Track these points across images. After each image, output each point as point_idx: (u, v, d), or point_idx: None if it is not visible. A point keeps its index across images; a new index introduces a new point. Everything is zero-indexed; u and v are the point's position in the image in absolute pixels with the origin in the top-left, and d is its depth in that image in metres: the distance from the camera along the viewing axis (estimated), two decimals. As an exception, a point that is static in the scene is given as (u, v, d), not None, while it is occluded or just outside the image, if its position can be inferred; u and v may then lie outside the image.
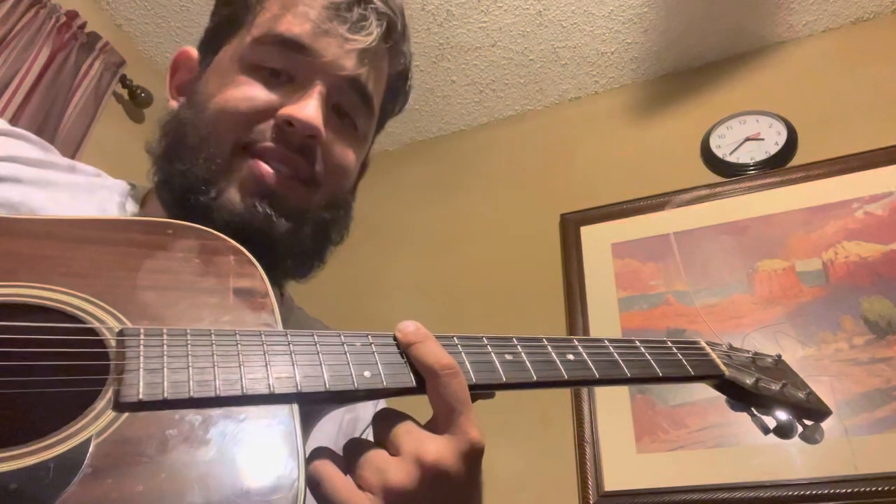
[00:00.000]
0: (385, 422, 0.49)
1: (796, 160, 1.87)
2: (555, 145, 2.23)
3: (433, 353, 0.50)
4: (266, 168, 0.67)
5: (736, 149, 1.94)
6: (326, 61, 0.69)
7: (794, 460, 1.51)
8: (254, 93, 0.68)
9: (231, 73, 0.70)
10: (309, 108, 0.67)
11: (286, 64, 0.69)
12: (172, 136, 0.70)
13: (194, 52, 0.76)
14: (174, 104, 0.75)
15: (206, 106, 0.69)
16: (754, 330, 1.68)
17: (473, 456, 0.48)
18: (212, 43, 0.75)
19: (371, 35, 0.71)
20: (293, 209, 0.68)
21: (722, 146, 1.96)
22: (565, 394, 1.78)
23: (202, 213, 0.63)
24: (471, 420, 0.48)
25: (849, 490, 1.44)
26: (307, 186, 0.70)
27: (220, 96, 0.68)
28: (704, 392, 1.63)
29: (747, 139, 1.94)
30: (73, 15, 1.85)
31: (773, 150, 1.89)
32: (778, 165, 1.88)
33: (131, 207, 0.73)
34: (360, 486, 0.46)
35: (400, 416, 0.50)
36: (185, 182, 0.66)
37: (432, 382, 0.49)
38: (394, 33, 0.75)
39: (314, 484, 0.45)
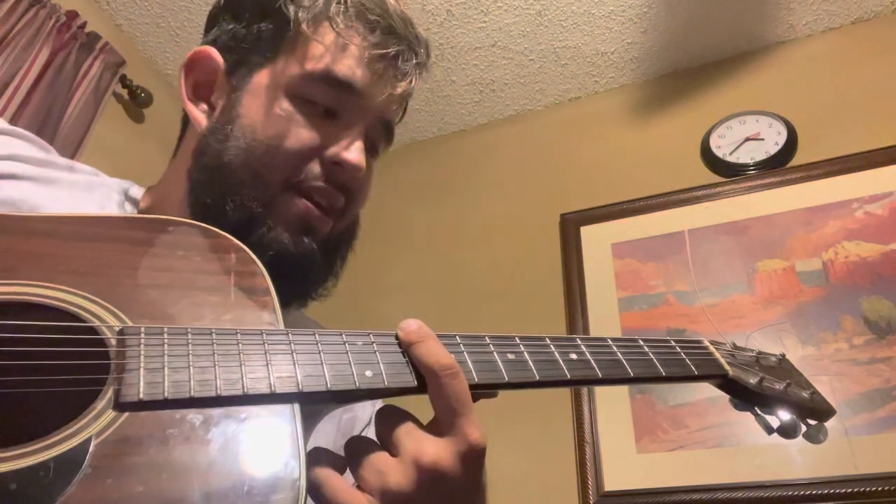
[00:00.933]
0: (387, 421, 0.49)
1: (796, 160, 1.87)
2: (555, 145, 2.23)
3: (433, 352, 0.50)
4: (314, 209, 0.70)
5: (736, 149, 1.94)
6: (373, 105, 0.72)
7: (794, 460, 1.51)
8: (305, 132, 0.69)
9: (278, 101, 0.70)
10: (357, 152, 0.70)
11: (337, 104, 0.71)
12: (221, 167, 0.70)
13: (217, 55, 0.74)
14: (196, 113, 0.73)
15: (255, 136, 0.69)
16: (757, 329, 1.68)
17: (473, 457, 0.48)
18: (244, 54, 0.73)
19: (412, 83, 0.74)
20: (325, 240, 0.71)
21: (722, 146, 1.96)
22: (565, 394, 1.78)
23: (249, 246, 0.63)
24: (471, 421, 0.48)
25: (849, 490, 1.43)
26: (336, 218, 0.73)
27: (268, 129, 0.69)
28: (705, 392, 1.63)
29: (747, 139, 1.94)
30: (73, 15, 1.84)
31: (773, 150, 1.89)
32: (778, 165, 1.88)
33: (130, 206, 0.73)
34: (360, 488, 0.46)
35: (401, 416, 0.50)
36: (237, 216, 0.67)
37: (432, 383, 0.49)
38: (425, 72, 0.78)
39: (314, 487, 0.45)
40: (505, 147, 2.31)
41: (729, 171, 1.93)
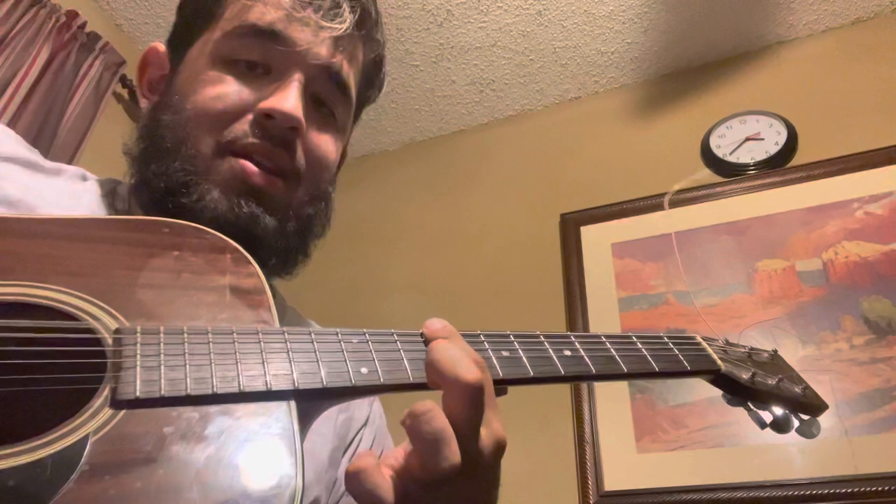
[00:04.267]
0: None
1: (796, 160, 1.87)
2: (555, 145, 2.23)
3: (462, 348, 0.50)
4: (251, 166, 0.66)
5: (736, 149, 1.94)
6: (301, 50, 0.68)
7: (794, 460, 1.51)
8: (229, 88, 0.67)
9: (204, 68, 0.68)
10: (289, 100, 0.66)
11: (261, 55, 0.68)
12: (149, 138, 0.69)
13: (163, 47, 0.75)
14: (145, 102, 0.74)
15: (182, 105, 0.67)
16: (749, 327, 1.68)
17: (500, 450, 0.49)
18: (182, 38, 0.73)
19: (345, 22, 0.70)
20: (277, 205, 0.67)
21: (722, 146, 1.96)
22: (565, 393, 1.78)
23: (181, 215, 0.60)
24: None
25: (849, 490, 1.44)
26: (289, 181, 0.69)
27: (194, 95, 0.67)
28: (705, 392, 1.63)
29: (747, 139, 1.94)
30: (73, 15, 1.85)
31: (773, 150, 1.89)
32: (778, 165, 1.88)
33: (120, 206, 0.72)
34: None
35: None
36: (163, 184, 0.65)
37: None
38: (367, 20, 0.74)
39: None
40: (505, 147, 2.31)
41: (729, 171, 1.93)
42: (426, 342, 0.51)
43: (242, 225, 0.63)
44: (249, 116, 0.67)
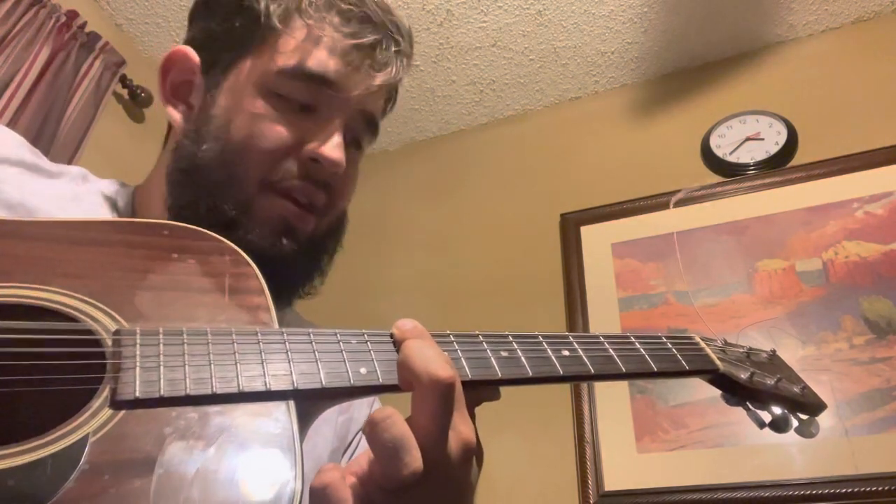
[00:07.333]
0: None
1: (796, 160, 1.87)
2: (555, 145, 2.23)
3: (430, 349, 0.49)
4: (294, 209, 0.69)
5: (736, 149, 1.94)
6: (351, 97, 0.70)
7: (794, 460, 1.51)
8: (280, 129, 0.68)
9: (253, 100, 0.69)
10: (335, 147, 0.69)
11: (312, 98, 0.70)
12: (193, 170, 0.69)
13: (194, 54, 0.74)
14: (175, 114, 0.73)
15: (229, 135, 0.68)
16: (748, 327, 1.69)
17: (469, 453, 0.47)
18: (218, 52, 0.73)
19: (392, 73, 0.73)
20: (308, 239, 0.70)
21: (722, 146, 1.96)
22: (565, 393, 1.78)
23: None
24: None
25: (849, 490, 1.44)
26: (319, 215, 0.72)
27: (242, 128, 0.68)
28: (705, 392, 1.63)
29: (747, 139, 1.94)
30: (73, 15, 1.85)
31: (773, 150, 1.89)
32: (778, 165, 1.88)
33: (122, 208, 0.73)
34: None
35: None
36: (211, 220, 0.66)
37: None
38: (410, 65, 0.77)
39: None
40: (505, 147, 2.31)
41: (729, 171, 1.93)
42: (396, 342, 0.50)
43: (279, 262, 0.65)
44: (294, 157, 0.69)
